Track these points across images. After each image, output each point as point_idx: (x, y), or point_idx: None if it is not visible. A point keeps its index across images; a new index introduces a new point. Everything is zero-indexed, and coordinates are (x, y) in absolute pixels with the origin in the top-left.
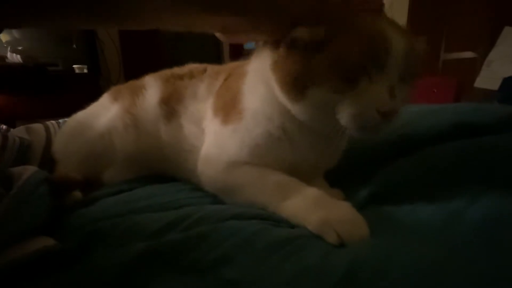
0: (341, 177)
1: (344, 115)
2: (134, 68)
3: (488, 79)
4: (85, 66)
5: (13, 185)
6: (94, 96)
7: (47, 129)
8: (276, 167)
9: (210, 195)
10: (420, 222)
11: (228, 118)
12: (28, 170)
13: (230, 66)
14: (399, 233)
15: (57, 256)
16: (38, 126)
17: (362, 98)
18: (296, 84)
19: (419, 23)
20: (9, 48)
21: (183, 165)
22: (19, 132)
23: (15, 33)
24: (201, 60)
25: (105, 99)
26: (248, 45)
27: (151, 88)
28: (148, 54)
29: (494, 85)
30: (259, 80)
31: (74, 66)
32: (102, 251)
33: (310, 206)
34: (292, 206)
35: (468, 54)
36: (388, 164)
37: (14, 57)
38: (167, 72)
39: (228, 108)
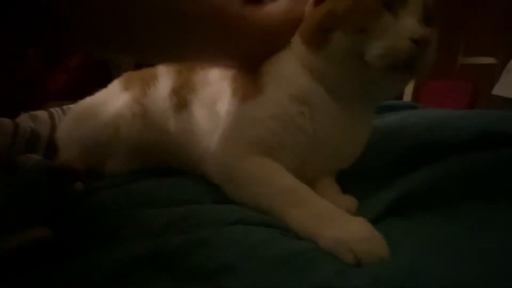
0: (354, 182)
1: (374, 50)
2: None
3: (507, 86)
4: None
5: (16, 174)
6: (102, 80)
7: (51, 116)
8: (295, 149)
9: (214, 191)
10: (445, 238)
11: (247, 94)
12: (31, 159)
13: None
14: (422, 250)
15: (53, 247)
16: (42, 114)
17: (392, 30)
18: (321, 29)
19: (438, 23)
20: None
21: (191, 155)
22: (23, 119)
23: None
24: None
25: (115, 87)
26: None
27: (163, 78)
28: None
29: None
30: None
31: None
32: (99, 246)
33: (321, 220)
34: (300, 216)
35: (488, 60)
36: (407, 172)
37: None
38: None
39: (247, 85)
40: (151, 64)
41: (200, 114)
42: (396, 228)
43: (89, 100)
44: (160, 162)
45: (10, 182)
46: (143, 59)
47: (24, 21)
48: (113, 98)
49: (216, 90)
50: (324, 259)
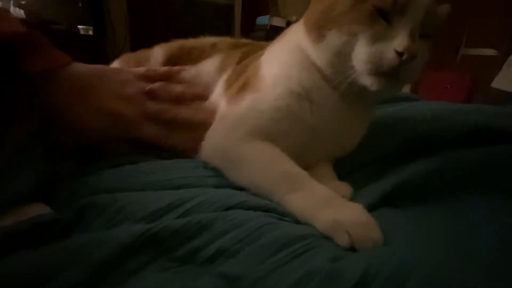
0: (350, 171)
1: (360, 55)
2: (141, 34)
3: (507, 80)
4: (91, 28)
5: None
6: (98, 60)
7: None
8: (295, 138)
9: (214, 176)
10: (437, 230)
11: (251, 86)
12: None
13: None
14: (415, 240)
15: (52, 224)
16: None
17: (380, 38)
18: (319, 24)
19: None
20: (12, 2)
21: None
22: None
23: None
24: (210, 33)
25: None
26: (259, 21)
27: (159, 59)
28: (156, 22)
29: None
30: (282, 45)
31: (78, 26)
32: (99, 225)
33: (319, 204)
34: (299, 200)
35: (489, 52)
36: (402, 163)
37: (17, 12)
38: (177, 43)
39: (251, 77)
40: None
41: None
42: (389, 218)
43: None
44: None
45: None
46: None
47: None
48: None
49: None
50: (322, 244)
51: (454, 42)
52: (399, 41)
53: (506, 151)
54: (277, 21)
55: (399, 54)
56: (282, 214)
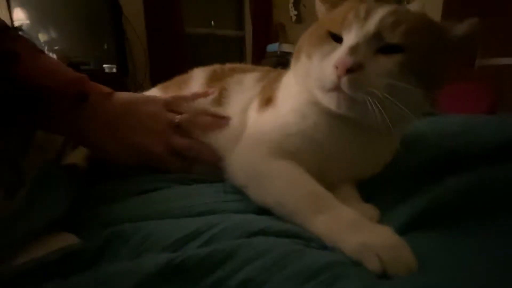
0: (375, 189)
1: (312, 74)
2: (160, 68)
3: None
4: (114, 66)
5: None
6: None
7: None
8: (312, 156)
9: (234, 200)
10: (475, 255)
11: (268, 103)
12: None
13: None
14: (453, 267)
15: (81, 254)
16: None
17: (327, 56)
18: (298, 48)
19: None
20: (46, 48)
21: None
22: None
23: (53, 32)
24: (224, 61)
25: (154, 92)
26: (269, 48)
27: (197, 80)
28: (173, 54)
29: None
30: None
31: (104, 65)
32: (125, 255)
33: (346, 227)
34: (325, 222)
35: (507, 61)
36: (432, 182)
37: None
38: (216, 65)
39: (267, 96)
40: None
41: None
42: (421, 242)
43: None
44: None
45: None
46: None
47: None
48: None
49: (246, 98)
50: (351, 273)
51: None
52: (335, 56)
53: None
54: (287, 47)
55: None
56: (307, 240)
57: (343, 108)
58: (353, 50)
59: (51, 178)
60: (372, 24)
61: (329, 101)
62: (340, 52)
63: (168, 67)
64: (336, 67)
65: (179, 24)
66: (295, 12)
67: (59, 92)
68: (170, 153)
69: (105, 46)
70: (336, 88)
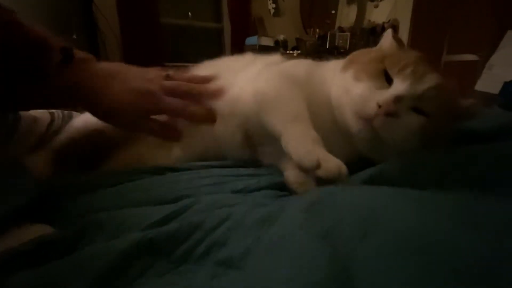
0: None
1: (353, 95)
2: (135, 60)
3: (489, 82)
4: None
5: None
6: None
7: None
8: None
9: (207, 185)
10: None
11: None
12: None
13: None
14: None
15: (56, 244)
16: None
17: (373, 91)
18: (349, 60)
19: (422, 23)
20: None
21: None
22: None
23: None
24: (202, 55)
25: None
26: (248, 41)
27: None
28: (149, 46)
29: (495, 89)
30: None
31: None
32: (101, 241)
33: (307, 140)
34: (296, 131)
35: (471, 57)
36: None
37: None
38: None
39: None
40: None
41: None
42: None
43: None
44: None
45: None
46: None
47: None
48: None
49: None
50: (286, 216)
51: (436, 49)
52: (383, 96)
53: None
54: (266, 41)
55: (379, 107)
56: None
57: (361, 136)
58: (399, 99)
59: (16, 166)
60: (421, 88)
61: (353, 124)
62: (388, 94)
63: (143, 58)
64: (379, 106)
65: (155, 15)
66: (273, 5)
67: (52, 46)
68: (164, 92)
69: (74, 36)
70: (368, 120)
